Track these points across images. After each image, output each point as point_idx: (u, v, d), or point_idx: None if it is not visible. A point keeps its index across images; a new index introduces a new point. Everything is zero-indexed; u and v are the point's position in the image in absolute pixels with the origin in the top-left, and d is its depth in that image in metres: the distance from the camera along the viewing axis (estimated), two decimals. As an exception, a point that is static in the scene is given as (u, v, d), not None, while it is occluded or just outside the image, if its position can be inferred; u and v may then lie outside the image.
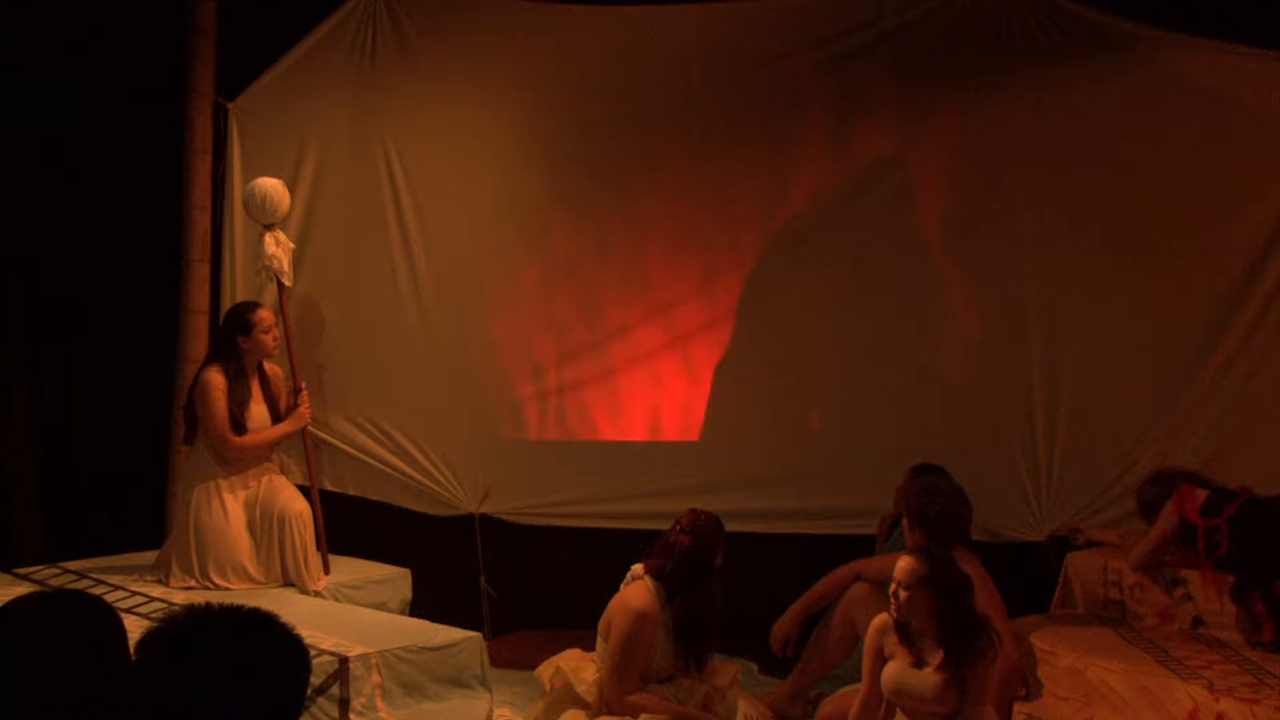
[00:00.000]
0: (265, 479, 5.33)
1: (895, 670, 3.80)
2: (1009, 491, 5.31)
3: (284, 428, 5.41)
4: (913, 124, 5.51)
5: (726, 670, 4.45)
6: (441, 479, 5.95)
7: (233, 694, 1.88)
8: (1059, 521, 5.27)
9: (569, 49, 5.86)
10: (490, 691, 4.60)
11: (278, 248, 5.64)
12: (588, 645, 4.46)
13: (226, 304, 5.93)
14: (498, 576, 5.89)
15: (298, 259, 5.83)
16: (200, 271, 6.00)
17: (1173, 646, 4.39)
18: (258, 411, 5.32)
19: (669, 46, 5.77)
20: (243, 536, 5.21)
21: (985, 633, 3.71)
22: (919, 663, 3.78)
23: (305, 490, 5.50)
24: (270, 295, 5.79)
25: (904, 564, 3.79)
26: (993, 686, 3.82)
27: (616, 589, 4.38)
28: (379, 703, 4.29)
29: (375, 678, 4.30)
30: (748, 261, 5.75)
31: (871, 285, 5.58)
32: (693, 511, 4.39)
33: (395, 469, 5.99)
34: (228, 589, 5.10)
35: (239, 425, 5.23)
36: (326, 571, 5.39)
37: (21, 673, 2.06)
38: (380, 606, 5.28)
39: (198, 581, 5.13)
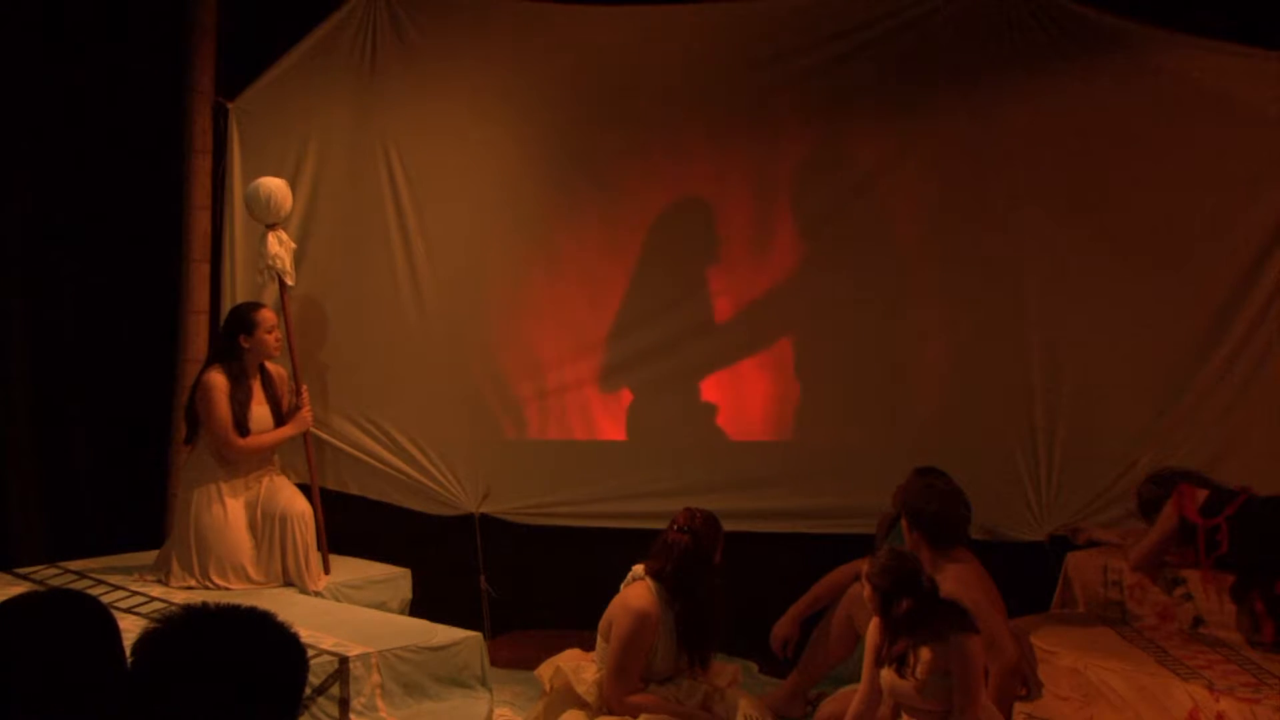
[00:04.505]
0: (266, 479, 5.33)
1: (887, 670, 3.83)
2: (1009, 491, 5.31)
3: (287, 431, 5.41)
4: (912, 124, 5.50)
5: (726, 670, 4.45)
6: (441, 479, 5.95)
7: (230, 694, 1.87)
8: (1059, 521, 5.26)
9: (569, 49, 5.86)
10: (490, 691, 4.60)
11: (280, 247, 5.64)
12: (588, 645, 4.46)
13: (227, 304, 5.93)
14: (498, 576, 5.89)
15: (298, 259, 5.82)
16: (200, 271, 6.00)
17: (1173, 646, 4.38)
18: (259, 412, 5.32)
19: (669, 46, 5.76)
20: (243, 537, 5.21)
21: (935, 624, 3.73)
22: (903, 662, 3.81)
23: (306, 490, 5.50)
24: (271, 295, 5.79)
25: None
26: (984, 680, 3.83)
27: (616, 589, 4.39)
28: (379, 702, 4.29)
29: (375, 677, 4.30)
30: (747, 262, 5.75)
31: (871, 285, 5.57)
32: (689, 511, 4.40)
33: (395, 469, 5.99)
34: (228, 589, 5.10)
35: (241, 427, 5.23)
36: (326, 571, 5.39)
37: (13, 672, 2.05)
38: (380, 606, 5.28)
39: (198, 581, 5.13)
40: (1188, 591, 4.61)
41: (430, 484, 5.96)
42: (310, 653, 2.07)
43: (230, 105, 6.07)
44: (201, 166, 6.00)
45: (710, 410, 5.86)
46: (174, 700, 1.86)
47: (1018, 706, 4.39)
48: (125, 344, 6.14)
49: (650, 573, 4.33)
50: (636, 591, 4.31)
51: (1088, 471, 5.25)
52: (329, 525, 5.49)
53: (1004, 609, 4.46)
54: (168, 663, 1.89)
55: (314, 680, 4.08)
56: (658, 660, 4.27)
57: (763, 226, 5.75)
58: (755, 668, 5.33)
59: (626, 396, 5.95)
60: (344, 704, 4.18)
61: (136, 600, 4.85)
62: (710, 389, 5.86)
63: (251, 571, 5.20)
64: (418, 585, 5.57)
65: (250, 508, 5.27)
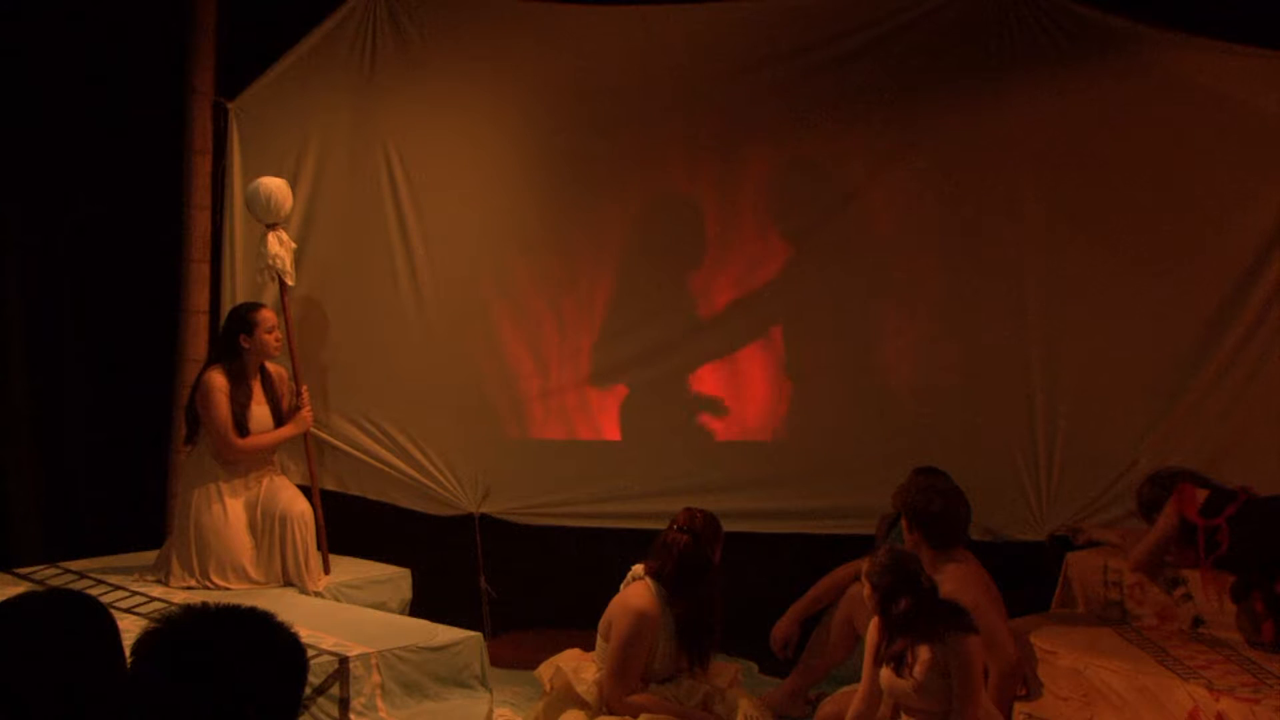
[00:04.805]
0: (266, 480, 5.33)
1: (886, 670, 3.83)
2: (1009, 491, 5.31)
3: (287, 431, 5.42)
4: (912, 125, 5.50)
5: (726, 670, 4.45)
6: (441, 479, 5.95)
7: (229, 694, 1.87)
8: (1059, 521, 5.27)
9: (569, 49, 5.86)
10: (490, 691, 4.61)
11: (281, 247, 5.64)
12: (588, 645, 4.46)
13: (226, 304, 5.94)
14: (498, 576, 5.89)
15: (297, 259, 5.82)
16: (200, 271, 6.00)
17: (1173, 646, 4.38)
18: (259, 412, 5.32)
19: (669, 47, 5.76)
20: (243, 537, 5.21)
21: (934, 624, 3.74)
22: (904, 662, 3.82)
23: (305, 490, 5.50)
24: (270, 295, 5.79)
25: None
26: (983, 680, 3.83)
27: (616, 589, 4.39)
28: (379, 702, 4.29)
29: (375, 677, 4.31)
30: (745, 261, 5.75)
31: (871, 286, 5.58)
32: (689, 510, 4.41)
33: (395, 469, 5.99)
34: (228, 589, 5.11)
35: (241, 427, 5.23)
36: (326, 571, 5.39)
37: (13, 672, 2.05)
38: (380, 606, 5.29)
39: (198, 581, 5.13)
40: (1188, 591, 4.61)
41: (430, 484, 5.96)
42: (310, 653, 2.07)
43: (230, 105, 6.06)
44: (201, 166, 6.00)
45: (710, 410, 5.86)
46: (174, 701, 1.86)
47: (1018, 706, 4.39)
48: (125, 344, 6.14)
49: (650, 573, 4.33)
50: (636, 591, 4.31)
51: (1088, 471, 5.25)
52: (329, 525, 5.49)
53: (1004, 609, 4.46)
54: (168, 663, 1.89)
55: (314, 680, 4.08)
56: (657, 660, 4.27)
57: (762, 226, 5.75)
58: (755, 668, 5.33)
59: (624, 394, 5.94)
60: (344, 704, 4.18)
61: (136, 600, 4.85)
62: (710, 389, 5.86)
63: (251, 571, 5.20)
64: (418, 585, 5.57)
65: (250, 508, 5.27)
